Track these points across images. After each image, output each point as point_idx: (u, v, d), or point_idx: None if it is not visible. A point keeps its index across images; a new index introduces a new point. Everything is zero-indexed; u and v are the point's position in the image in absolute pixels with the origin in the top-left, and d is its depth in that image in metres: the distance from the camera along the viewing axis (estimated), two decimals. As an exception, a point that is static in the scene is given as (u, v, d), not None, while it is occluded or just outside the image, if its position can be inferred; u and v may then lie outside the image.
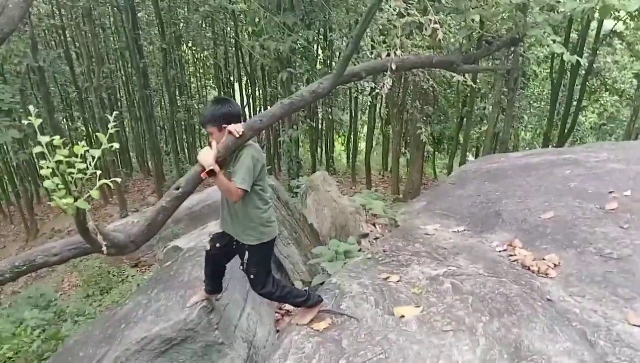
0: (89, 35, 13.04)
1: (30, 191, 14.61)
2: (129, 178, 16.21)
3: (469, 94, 13.60)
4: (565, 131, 13.34)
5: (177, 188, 2.38)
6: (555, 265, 3.32)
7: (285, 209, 4.66)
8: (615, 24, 12.55)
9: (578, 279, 3.06)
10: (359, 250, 4.42)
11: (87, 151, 1.78)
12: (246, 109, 19.72)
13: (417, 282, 3.20)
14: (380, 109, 18.60)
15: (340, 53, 13.59)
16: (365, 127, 20.09)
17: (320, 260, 4.24)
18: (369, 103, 17.38)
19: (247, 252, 2.83)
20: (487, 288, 3.01)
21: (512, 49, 10.23)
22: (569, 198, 4.36)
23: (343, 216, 5.19)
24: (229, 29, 16.09)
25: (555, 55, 12.15)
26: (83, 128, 15.75)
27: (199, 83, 20.94)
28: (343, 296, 3.12)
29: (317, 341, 2.70)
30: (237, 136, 2.61)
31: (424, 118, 10.43)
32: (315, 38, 10.11)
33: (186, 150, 18.92)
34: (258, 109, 18.87)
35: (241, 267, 2.90)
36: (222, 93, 19.51)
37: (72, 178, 1.76)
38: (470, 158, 16.73)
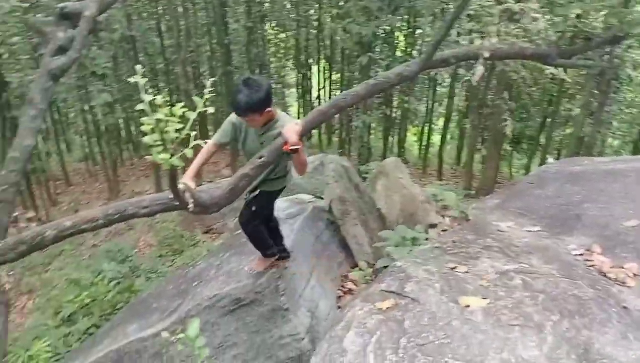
0: (180, 9, 13.63)
1: (114, 154, 15.62)
2: (205, 150, 16.84)
3: (556, 94, 12.93)
4: (659, 141, 12.38)
5: (260, 157, 2.48)
6: (634, 275, 3.15)
7: (355, 191, 4.71)
8: None
9: (660, 291, 2.90)
10: (426, 239, 4.39)
11: (184, 112, 1.91)
12: (322, 92, 19.88)
13: (485, 275, 3.15)
14: (458, 101, 18.11)
15: (422, 42, 13.39)
16: (441, 119, 19.67)
17: (386, 244, 4.26)
18: (447, 95, 16.99)
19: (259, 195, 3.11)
20: (559, 289, 2.92)
21: (609, 49, 9.60)
22: (657, 208, 4.09)
23: (412, 204, 5.16)
24: (312, 11, 16.22)
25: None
26: (168, 98, 16.56)
27: (279, 63, 21.31)
28: (408, 280, 3.14)
29: (379, 318, 2.75)
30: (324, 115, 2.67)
31: (508, 112, 10.03)
32: (399, 25, 9.97)
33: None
34: (335, 92, 18.98)
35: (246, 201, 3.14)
36: (300, 75, 19.77)
37: (169, 136, 1.89)
38: (550, 160, 15.96)
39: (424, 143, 17.91)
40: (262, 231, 3.28)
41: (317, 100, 19.89)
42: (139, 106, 1.90)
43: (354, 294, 4.02)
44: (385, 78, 2.45)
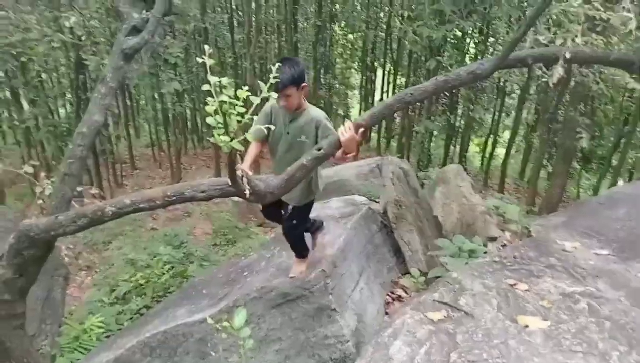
0: (253, 5, 13.87)
1: (179, 142, 16.15)
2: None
3: (633, 113, 12.14)
4: None
5: (319, 149, 2.42)
6: None
7: (413, 196, 4.58)
8: None
9: None
10: (485, 252, 4.20)
11: (248, 96, 1.88)
12: (385, 96, 19.67)
13: (547, 295, 2.95)
14: (527, 114, 17.42)
15: (494, 50, 12.96)
16: (507, 132, 18.97)
17: (441, 253, 4.10)
18: (515, 107, 16.37)
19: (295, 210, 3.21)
20: (628, 317, 2.68)
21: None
22: None
23: (471, 214, 4.96)
24: (382, 14, 16.08)
25: None
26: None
27: (344, 64, 21.30)
28: (463, 292, 2.99)
29: (429, 329, 2.62)
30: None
31: (582, 126, 9.50)
32: (471, 30, 9.68)
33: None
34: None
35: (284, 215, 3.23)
36: (365, 77, 19.67)
37: (232, 119, 1.87)
38: (621, 183, 14.99)
39: (487, 154, 17.31)
40: (304, 237, 3.35)
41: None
42: (205, 87, 1.89)
43: (404, 301, 3.90)
44: (456, 75, 2.32)
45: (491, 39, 12.35)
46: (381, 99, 19.97)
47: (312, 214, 5.33)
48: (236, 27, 15.68)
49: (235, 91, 1.90)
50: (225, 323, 2.05)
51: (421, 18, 9.22)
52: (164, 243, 8.87)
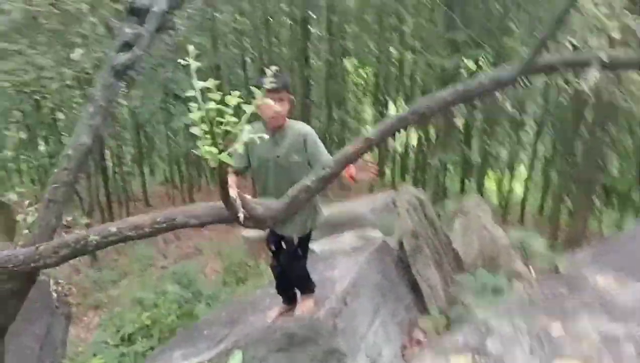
0: (264, 42, 13.99)
1: (193, 179, 16.07)
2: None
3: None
4: None
5: (324, 168, 2.17)
6: None
7: (430, 228, 4.28)
8: None
9: None
10: (511, 289, 3.85)
11: (241, 103, 1.66)
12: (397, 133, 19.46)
13: (586, 337, 2.60)
14: (543, 148, 17.08)
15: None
16: (523, 166, 18.59)
17: (464, 290, 3.77)
18: (532, 141, 16.05)
19: (296, 242, 2.90)
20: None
21: None
22: None
23: (494, 247, 4.63)
24: (392, 49, 16.07)
25: None
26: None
27: (356, 99, 21.26)
28: (490, 335, 2.66)
29: (454, 377, 2.29)
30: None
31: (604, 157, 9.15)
32: (485, 59, 9.53)
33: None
34: (411, 130, 18.58)
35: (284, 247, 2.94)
36: (378, 113, 19.60)
37: (220, 129, 1.64)
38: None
39: (504, 190, 16.89)
40: (306, 269, 3.05)
41: (392, 137, 19.53)
42: (189, 93, 1.67)
43: (423, 345, 3.55)
44: (478, 83, 2.08)
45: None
46: (393, 135, 19.78)
47: (325, 247, 5.05)
48: (248, 64, 15.79)
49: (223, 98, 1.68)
50: (222, 368, 1.77)
51: (433, 48, 9.11)
52: (173, 281, 8.58)
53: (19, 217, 2.54)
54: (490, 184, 20.92)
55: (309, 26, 14.63)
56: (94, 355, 6.45)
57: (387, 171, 19.08)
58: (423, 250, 4.05)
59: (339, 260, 3.86)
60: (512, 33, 10.07)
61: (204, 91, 1.64)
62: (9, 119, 13.37)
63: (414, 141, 18.68)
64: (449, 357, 2.47)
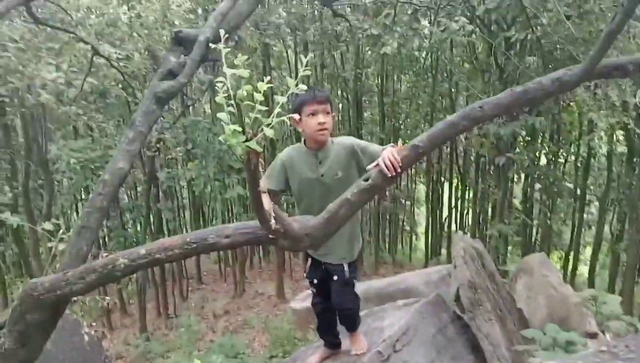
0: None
1: (245, 255, 16.08)
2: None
3: None
4: None
5: (367, 179, 2.00)
6: None
7: (490, 281, 3.91)
8: None
9: None
10: (585, 346, 3.38)
11: (271, 89, 1.57)
12: (453, 211, 18.97)
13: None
14: (610, 225, 16.06)
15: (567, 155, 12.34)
16: (588, 248, 17.43)
17: (532, 347, 3.34)
18: (596, 220, 15.13)
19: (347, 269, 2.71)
20: None
21: None
22: None
23: (564, 307, 4.17)
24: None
25: None
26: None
27: (409, 180, 21.11)
28: (565, 383, 2.27)
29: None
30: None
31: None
32: (545, 125, 9.24)
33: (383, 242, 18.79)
34: (465, 211, 18.13)
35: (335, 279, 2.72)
36: (431, 191, 19.32)
37: (250, 117, 1.54)
38: None
39: (569, 272, 15.77)
40: (358, 298, 2.81)
41: (448, 219, 18.98)
42: (217, 80, 1.59)
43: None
44: (538, 85, 1.90)
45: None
46: (449, 215, 19.29)
47: (376, 323, 4.74)
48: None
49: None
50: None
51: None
52: (220, 353, 8.34)
53: (50, 244, 2.49)
54: (555, 264, 19.62)
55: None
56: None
57: (444, 251, 18.39)
58: (483, 303, 3.68)
59: (389, 313, 3.56)
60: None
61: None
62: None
63: (470, 219, 18.15)
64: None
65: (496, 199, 10.45)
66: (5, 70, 4.74)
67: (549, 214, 12.92)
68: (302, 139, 2.64)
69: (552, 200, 12.25)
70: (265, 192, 1.74)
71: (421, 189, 21.58)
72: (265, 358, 8.51)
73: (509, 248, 13.12)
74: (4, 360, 2.35)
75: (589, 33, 5.49)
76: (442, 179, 19.46)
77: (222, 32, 1.58)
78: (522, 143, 10.07)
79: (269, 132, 1.51)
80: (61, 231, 2.41)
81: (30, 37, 4.94)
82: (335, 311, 2.79)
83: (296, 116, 2.40)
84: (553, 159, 11.87)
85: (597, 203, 14.90)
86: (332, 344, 2.86)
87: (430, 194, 18.85)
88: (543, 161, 11.49)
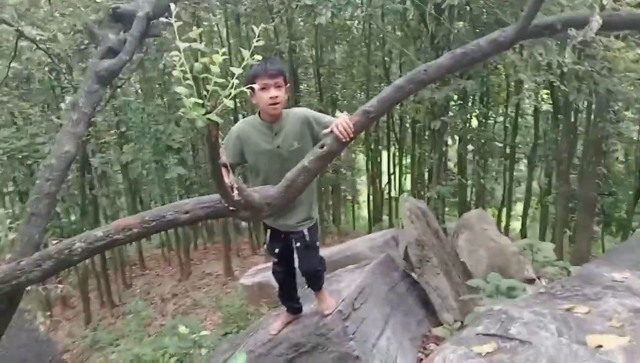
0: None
1: (189, 238, 15.82)
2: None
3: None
4: None
5: (322, 146, 2.06)
6: None
7: (435, 238, 4.12)
8: None
9: None
10: (525, 290, 3.66)
11: (227, 62, 1.57)
12: (392, 178, 19.51)
13: (615, 315, 2.42)
14: (539, 180, 17.08)
15: (495, 114, 12.92)
16: (519, 204, 18.51)
17: (477, 295, 3.58)
18: (526, 175, 16.06)
19: (307, 233, 2.76)
20: None
21: None
22: None
23: (503, 257, 4.46)
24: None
25: None
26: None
27: (349, 150, 21.38)
28: (512, 322, 2.47)
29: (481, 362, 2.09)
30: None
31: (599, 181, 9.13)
32: (475, 89, 9.63)
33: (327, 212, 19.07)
34: (405, 177, 18.71)
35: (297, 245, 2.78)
36: (370, 161, 19.71)
37: (207, 90, 1.54)
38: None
39: (502, 228, 16.72)
40: (323, 259, 2.87)
41: (388, 185, 19.50)
42: (172, 54, 1.58)
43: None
44: (476, 47, 2.01)
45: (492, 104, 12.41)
46: (389, 182, 19.80)
47: None
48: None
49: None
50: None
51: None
52: (171, 336, 8.24)
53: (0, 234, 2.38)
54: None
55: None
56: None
57: (385, 217, 18.92)
58: (431, 259, 3.88)
59: (343, 276, 3.68)
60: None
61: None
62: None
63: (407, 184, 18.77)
64: (472, 346, 2.27)
65: (432, 163, 10.85)
66: None
67: (482, 174, 13.55)
68: (257, 111, 2.66)
69: (484, 160, 12.84)
70: (225, 165, 1.76)
71: (360, 159, 21.96)
72: (219, 336, 8.50)
73: (446, 209, 13.72)
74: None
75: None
76: (380, 147, 19.90)
77: (172, 5, 1.55)
78: (454, 107, 10.45)
79: (229, 103, 1.53)
80: (8, 220, 2.30)
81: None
82: (295, 278, 2.87)
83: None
84: (484, 121, 12.41)
85: (525, 161, 15.75)
86: (294, 309, 2.94)
87: (370, 163, 19.24)
88: (474, 123, 11.98)
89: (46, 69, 7.28)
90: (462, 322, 3.56)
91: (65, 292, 11.64)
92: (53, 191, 2.31)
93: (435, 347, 3.11)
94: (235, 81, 1.49)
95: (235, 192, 1.94)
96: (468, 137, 11.14)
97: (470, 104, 11.33)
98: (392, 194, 18.89)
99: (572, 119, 10.90)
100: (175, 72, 1.52)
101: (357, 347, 2.62)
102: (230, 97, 1.50)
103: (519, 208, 18.49)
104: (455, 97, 9.33)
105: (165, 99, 11.03)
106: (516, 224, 17.34)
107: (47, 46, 4.97)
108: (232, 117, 12.23)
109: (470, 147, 12.32)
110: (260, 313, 8.62)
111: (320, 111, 13.01)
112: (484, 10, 7.46)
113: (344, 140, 2.03)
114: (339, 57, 17.16)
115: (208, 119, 1.54)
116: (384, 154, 20.29)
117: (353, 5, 8.19)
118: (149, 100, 10.53)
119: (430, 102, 9.01)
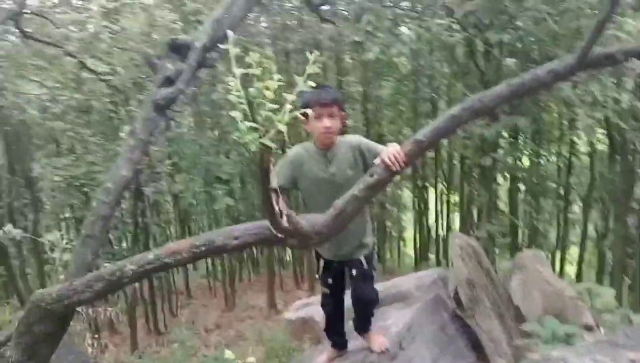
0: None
1: (234, 270, 15.97)
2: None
3: None
4: None
5: (372, 175, 2.04)
6: None
7: (487, 278, 3.96)
8: None
9: None
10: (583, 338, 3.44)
11: (281, 87, 1.60)
12: (440, 217, 19.07)
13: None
14: (595, 223, 16.29)
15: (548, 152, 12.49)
16: (573, 247, 17.69)
17: (532, 340, 3.39)
18: (580, 218, 15.38)
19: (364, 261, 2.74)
20: None
21: None
22: None
23: (559, 301, 4.23)
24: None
25: None
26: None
27: (394, 187, 21.16)
28: (571, 370, 2.31)
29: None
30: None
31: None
32: (527, 126, 9.42)
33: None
34: (452, 215, 18.31)
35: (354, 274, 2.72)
36: (417, 198, 19.43)
37: (262, 115, 1.56)
38: None
39: (557, 270, 15.94)
40: (377, 293, 2.80)
41: (435, 223, 19.11)
42: (229, 79, 1.61)
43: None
44: (533, 76, 1.97)
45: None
46: (436, 220, 19.39)
47: None
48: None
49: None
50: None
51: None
52: (215, 366, 8.25)
53: (55, 255, 2.46)
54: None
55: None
56: None
57: (432, 256, 18.47)
58: (482, 300, 3.72)
59: (391, 313, 3.59)
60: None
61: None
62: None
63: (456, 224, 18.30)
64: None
65: (482, 201, 10.58)
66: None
67: (534, 214, 13.07)
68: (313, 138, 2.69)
69: (536, 201, 12.41)
70: (276, 190, 1.76)
71: (406, 195, 21.68)
72: (262, 370, 8.44)
73: (496, 250, 13.26)
74: (11, 373, 2.32)
75: (569, 31, 5.63)
76: (427, 184, 19.60)
77: (230, 33, 1.60)
78: (505, 144, 10.23)
79: (282, 128, 1.54)
80: (64, 241, 2.39)
81: (14, 53, 4.89)
82: (343, 310, 2.81)
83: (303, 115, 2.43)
84: (536, 159, 12.07)
85: (580, 203, 15.14)
86: (340, 344, 2.87)
87: (416, 200, 18.95)
88: (526, 162, 11.66)
89: (106, 100, 7.70)
90: (516, 368, 3.37)
91: (113, 318, 11.95)
92: (108, 214, 2.39)
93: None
94: (289, 107, 1.51)
95: (285, 219, 1.94)
96: (519, 175, 10.82)
97: (521, 141, 11.06)
98: (439, 232, 18.50)
99: (631, 159, 10.42)
100: (230, 97, 1.55)
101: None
102: (283, 122, 1.51)
103: (573, 251, 17.67)
104: (506, 134, 9.12)
105: (216, 132, 11.37)
106: (571, 269, 16.57)
107: (108, 78, 5.28)
108: (279, 150, 12.42)
109: (522, 186, 11.94)
110: (302, 349, 8.50)
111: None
112: (534, 46, 7.34)
113: (394, 169, 2.01)
114: (386, 93, 17.25)
115: (261, 143, 1.55)
116: (431, 191, 20.01)
117: (401, 41, 8.27)
118: (200, 132, 10.88)
119: (479, 139, 8.86)
